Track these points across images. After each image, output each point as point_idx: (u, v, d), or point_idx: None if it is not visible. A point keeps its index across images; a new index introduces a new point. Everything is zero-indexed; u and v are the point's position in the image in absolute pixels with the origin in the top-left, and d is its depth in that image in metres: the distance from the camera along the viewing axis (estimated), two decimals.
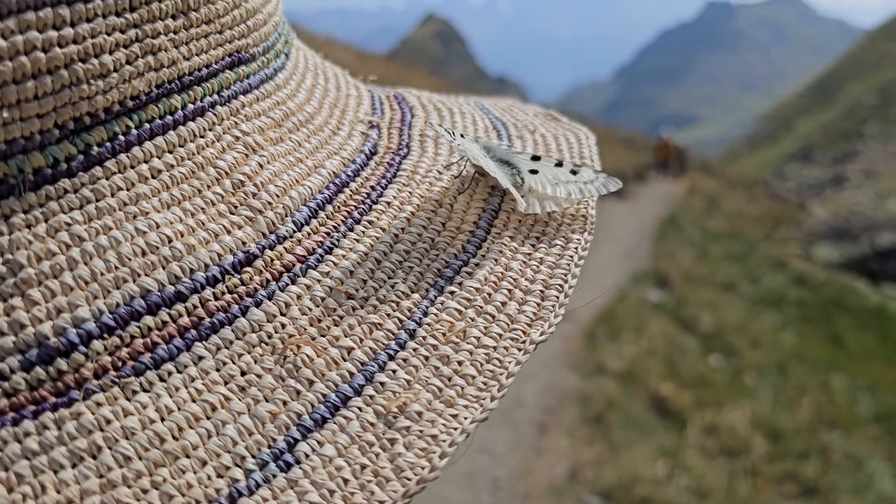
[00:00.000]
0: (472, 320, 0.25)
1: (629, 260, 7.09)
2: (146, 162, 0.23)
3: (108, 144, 0.22)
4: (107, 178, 0.22)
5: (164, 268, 0.22)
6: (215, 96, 0.26)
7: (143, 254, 0.22)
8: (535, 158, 0.32)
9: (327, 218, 0.26)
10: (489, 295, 0.26)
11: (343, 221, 0.26)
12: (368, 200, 0.28)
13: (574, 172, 0.31)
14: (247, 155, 0.26)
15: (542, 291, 0.26)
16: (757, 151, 64.37)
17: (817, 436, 4.12)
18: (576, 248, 0.28)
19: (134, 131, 0.23)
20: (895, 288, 9.16)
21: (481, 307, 0.25)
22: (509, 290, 0.26)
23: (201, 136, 0.25)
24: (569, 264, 0.28)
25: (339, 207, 0.27)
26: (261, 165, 0.26)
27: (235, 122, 0.26)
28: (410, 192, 0.29)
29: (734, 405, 4.14)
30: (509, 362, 0.24)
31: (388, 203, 0.28)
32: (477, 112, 0.36)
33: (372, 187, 0.28)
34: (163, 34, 0.23)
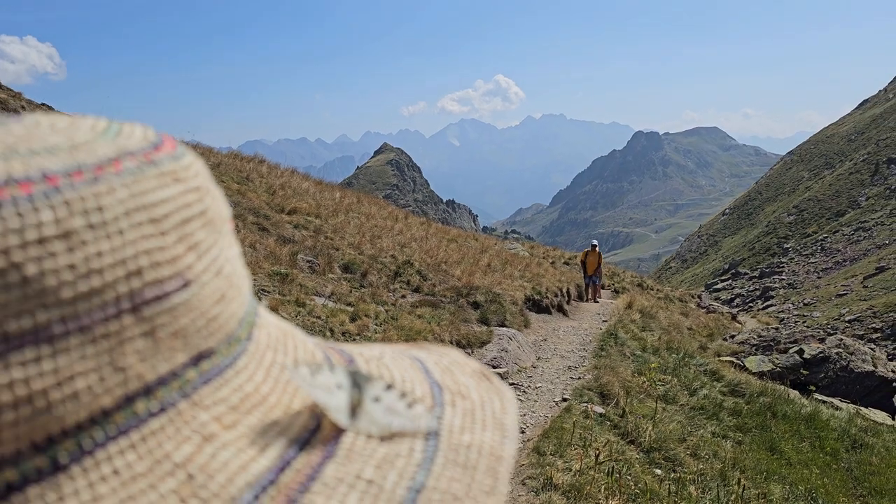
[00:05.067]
0: None
1: (574, 373, 7.28)
2: (109, 461, 0.25)
3: (74, 452, 0.24)
4: (71, 481, 0.24)
5: None
6: (176, 394, 0.28)
7: None
8: (389, 387, 0.35)
9: (270, 500, 0.27)
10: None
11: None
12: (308, 480, 0.29)
13: (410, 406, 0.34)
14: (202, 445, 0.28)
15: None
16: (689, 268, 67.59)
17: None
18: None
19: (100, 437, 0.25)
20: (825, 396, 9.58)
21: None
22: None
23: (162, 431, 0.27)
24: None
25: (281, 489, 0.28)
26: (213, 455, 0.28)
27: (194, 415, 0.28)
28: (347, 469, 0.30)
29: None
30: None
31: (325, 483, 0.29)
32: (419, 376, 0.39)
33: (313, 467, 0.30)
34: (132, 355, 0.25)
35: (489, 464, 0.33)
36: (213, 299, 0.30)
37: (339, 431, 0.32)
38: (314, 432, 0.32)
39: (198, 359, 0.29)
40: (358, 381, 0.35)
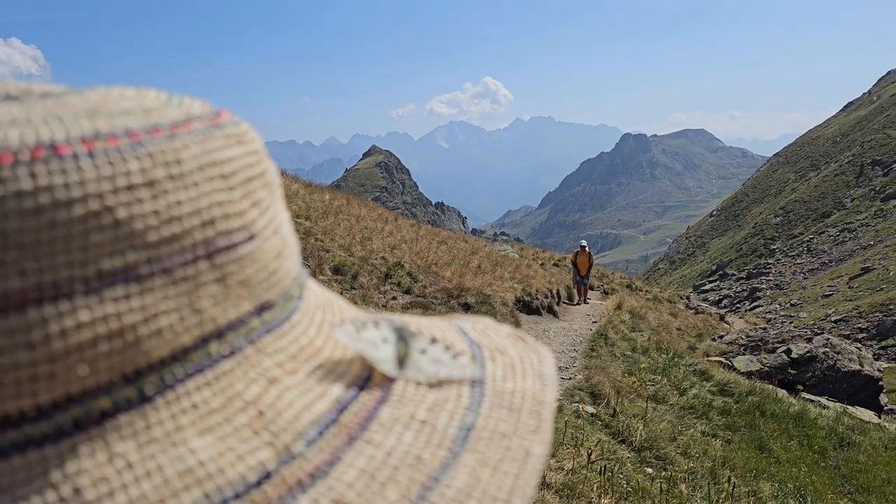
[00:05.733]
0: None
1: (565, 373, 7.29)
2: (188, 396, 0.28)
3: (158, 386, 0.27)
4: (156, 412, 0.27)
5: (199, 487, 0.26)
6: (243, 339, 0.31)
7: (182, 476, 0.26)
8: (434, 341, 0.38)
9: (332, 437, 0.30)
10: None
11: (345, 440, 0.30)
12: (366, 420, 0.32)
13: (455, 357, 0.37)
14: (268, 387, 0.31)
15: (506, 501, 0.31)
16: (677, 269, 68.04)
17: None
18: (535, 462, 0.33)
19: (179, 373, 0.28)
20: (813, 395, 9.67)
21: None
22: (479, 501, 0.30)
23: (232, 373, 0.30)
24: (530, 476, 0.32)
25: (342, 427, 0.31)
26: (279, 395, 0.31)
27: (259, 360, 0.31)
28: (400, 412, 0.33)
29: None
30: None
31: (382, 423, 0.32)
32: (457, 336, 0.41)
33: (369, 409, 0.32)
34: (206, 299, 0.28)
35: (532, 407, 0.36)
36: (273, 254, 0.33)
37: (390, 379, 0.35)
38: (367, 380, 0.34)
39: (260, 309, 0.32)
40: (404, 336, 0.37)
